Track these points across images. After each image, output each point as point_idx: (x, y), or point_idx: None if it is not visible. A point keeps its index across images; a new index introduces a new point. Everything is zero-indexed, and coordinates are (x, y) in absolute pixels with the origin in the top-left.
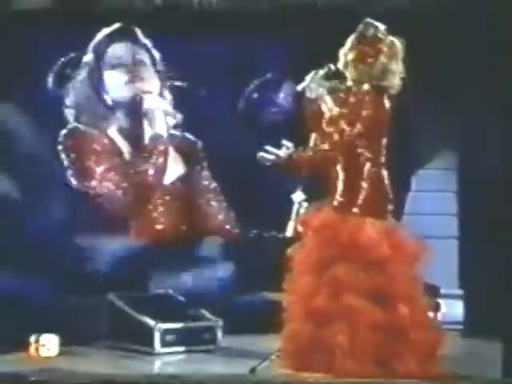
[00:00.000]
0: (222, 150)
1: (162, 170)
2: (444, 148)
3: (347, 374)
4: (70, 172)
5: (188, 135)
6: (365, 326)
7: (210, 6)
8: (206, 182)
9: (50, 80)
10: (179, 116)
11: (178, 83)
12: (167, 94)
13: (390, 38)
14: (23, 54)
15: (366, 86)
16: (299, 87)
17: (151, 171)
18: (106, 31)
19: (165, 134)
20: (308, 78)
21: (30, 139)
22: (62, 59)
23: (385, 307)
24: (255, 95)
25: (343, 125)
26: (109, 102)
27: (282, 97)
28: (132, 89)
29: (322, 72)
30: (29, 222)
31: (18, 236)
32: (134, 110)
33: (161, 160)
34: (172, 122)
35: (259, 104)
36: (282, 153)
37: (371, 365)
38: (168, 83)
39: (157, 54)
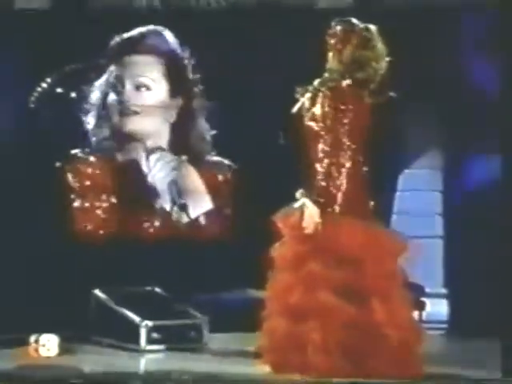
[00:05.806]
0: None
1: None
2: (429, 147)
3: (320, 371)
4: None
5: (223, 160)
6: (337, 322)
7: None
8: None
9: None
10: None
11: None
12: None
13: (361, 25)
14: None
15: (344, 82)
16: (294, 109)
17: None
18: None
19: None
20: (298, 97)
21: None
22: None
23: (359, 305)
24: None
25: (323, 122)
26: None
27: None
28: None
29: (311, 88)
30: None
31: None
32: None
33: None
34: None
35: None
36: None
37: (344, 362)
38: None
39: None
